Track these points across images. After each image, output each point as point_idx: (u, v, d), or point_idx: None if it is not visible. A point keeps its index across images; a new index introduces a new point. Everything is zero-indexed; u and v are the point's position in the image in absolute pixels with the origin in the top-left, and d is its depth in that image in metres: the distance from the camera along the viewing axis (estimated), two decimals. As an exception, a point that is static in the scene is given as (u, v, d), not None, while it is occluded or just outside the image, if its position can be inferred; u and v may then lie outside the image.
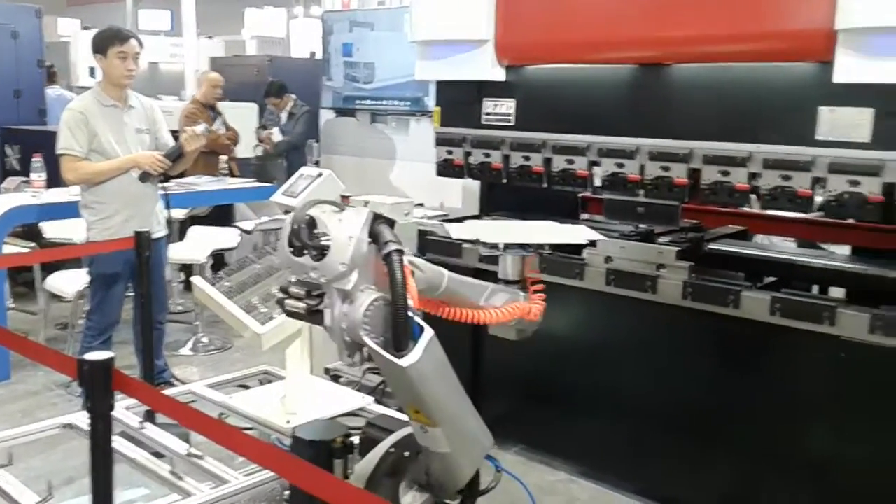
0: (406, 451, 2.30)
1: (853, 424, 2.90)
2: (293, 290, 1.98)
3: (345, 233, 1.81)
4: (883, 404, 2.83)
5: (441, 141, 3.98)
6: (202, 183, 6.01)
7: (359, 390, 3.56)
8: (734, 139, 3.05)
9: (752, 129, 3.01)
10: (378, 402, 3.31)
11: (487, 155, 3.83)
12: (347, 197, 5.05)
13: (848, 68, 2.68)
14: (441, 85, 3.96)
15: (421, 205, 4.55)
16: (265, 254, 3.37)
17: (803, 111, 2.86)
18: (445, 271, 2.22)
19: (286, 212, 4.54)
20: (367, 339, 1.82)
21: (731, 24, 2.95)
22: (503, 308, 2.32)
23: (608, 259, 3.45)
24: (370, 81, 8.07)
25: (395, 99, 7.72)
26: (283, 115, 7.97)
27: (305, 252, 1.87)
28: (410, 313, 1.81)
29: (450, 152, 4.00)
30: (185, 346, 5.53)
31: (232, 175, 6.98)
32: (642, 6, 3.15)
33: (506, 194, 4.19)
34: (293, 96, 7.94)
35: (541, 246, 2.57)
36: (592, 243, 3.10)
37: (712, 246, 3.43)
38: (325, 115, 8.34)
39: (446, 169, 4.07)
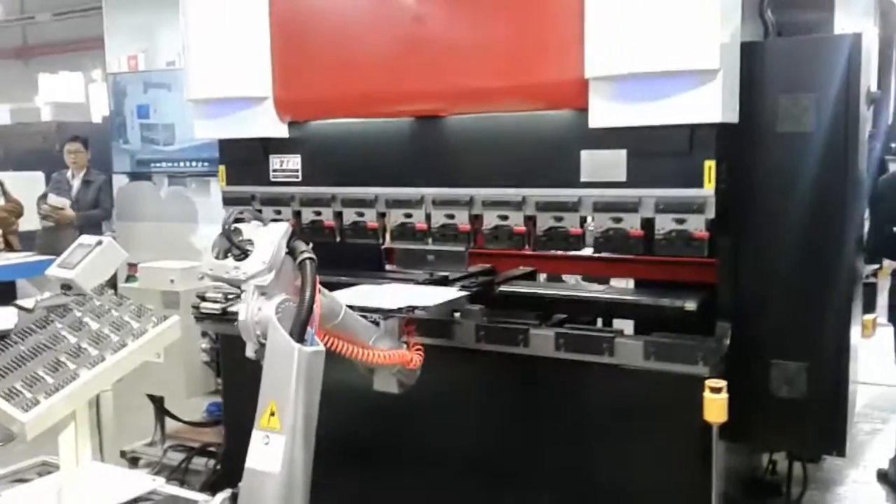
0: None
1: (639, 447, 3.05)
2: (210, 294, 2.39)
3: (267, 239, 2.08)
4: (661, 425, 2.99)
5: (228, 200, 3.84)
6: (-27, 261, 5.48)
7: (159, 472, 3.31)
8: (510, 184, 3.17)
9: (526, 175, 3.14)
10: (181, 483, 3.09)
11: (279, 212, 3.74)
12: (135, 265, 4.72)
13: (600, 114, 2.86)
14: (224, 143, 3.83)
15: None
16: (29, 333, 3.07)
17: (569, 155, 3.02)
18: (344, 305, 2.40)
19: (63, 286, 4.16)
20: (276, 324, 2.02)
21: (496, 77, 3.06)
22: (388, 352, 2.60)
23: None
24: (171, 143, 7.78)
25: (194, 160, 7.46)
26: (76, 184, 7.48)
27: (228, 255, 2.11)
28: (311, 328, 2.02)
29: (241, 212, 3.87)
30: (-39, 444, 4.93)
31: (10, 249, 6.43)
32: (412, 63, 3.21)
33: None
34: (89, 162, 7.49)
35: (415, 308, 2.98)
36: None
37: (503, 288, 3.52)
38: (119, 181, 7.92)
39: (238, 229, 3.92)
